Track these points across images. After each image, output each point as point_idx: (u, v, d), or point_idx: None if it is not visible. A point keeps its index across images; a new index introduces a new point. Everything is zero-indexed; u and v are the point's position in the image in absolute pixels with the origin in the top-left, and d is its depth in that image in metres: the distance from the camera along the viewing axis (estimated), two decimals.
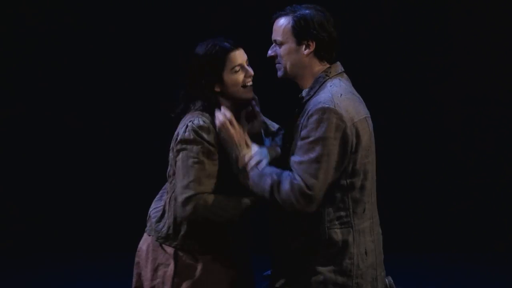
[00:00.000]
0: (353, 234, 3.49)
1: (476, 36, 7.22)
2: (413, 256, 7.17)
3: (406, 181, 7.41)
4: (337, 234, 3.47)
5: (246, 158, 3.49)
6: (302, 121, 3.45)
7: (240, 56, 3.59)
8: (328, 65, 3.56)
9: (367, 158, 3.49)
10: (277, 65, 3.59)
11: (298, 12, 3.52)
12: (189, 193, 3.41)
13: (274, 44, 3.56)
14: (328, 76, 3.54)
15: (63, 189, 7.50)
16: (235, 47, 3.59)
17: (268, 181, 3.39)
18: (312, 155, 3.36)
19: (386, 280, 3.67)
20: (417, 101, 7.35)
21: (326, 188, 3.39)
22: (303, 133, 3.41)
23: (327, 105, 3.38)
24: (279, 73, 3.58)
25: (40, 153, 7.49)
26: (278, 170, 3.42)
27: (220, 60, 3.54)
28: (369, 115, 3.57)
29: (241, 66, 3.58)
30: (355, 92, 3.59)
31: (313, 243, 3.47)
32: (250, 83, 3.60)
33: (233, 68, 3.57)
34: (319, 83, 3.53)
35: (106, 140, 7.48)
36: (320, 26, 3.50)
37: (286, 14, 3.54)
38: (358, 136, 3.44)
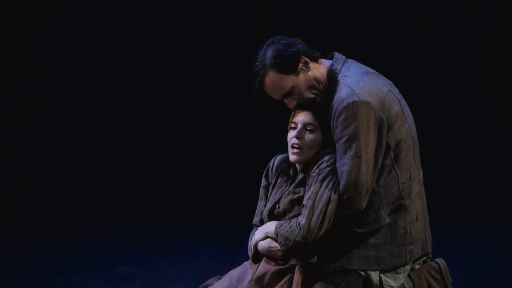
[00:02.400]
0: (405, 201, 3.55)
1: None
2: (458, 221, 7.37)
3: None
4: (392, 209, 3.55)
5: None
6: (332, 123, 3.51)
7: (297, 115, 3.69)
8: (328, 62, 3.64)
9: (403, 126, 3.56)
10: (298, 102, 3.64)
11: (268, 59, 3.55)
12: None
13: (284, 97, 3.63)
14: (336, 72, 3.59)
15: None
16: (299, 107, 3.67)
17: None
18: (351, 152, 3.43)
19: (439, 261, 3.72)
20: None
21: (374, 176, 3.47)
22: (337, 134, 3.49)
23: (351, 100, 3.45)
24: (303, 102, 3.64)
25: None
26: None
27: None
28: (391, 84, 3.65)
29: (294, 124, 3.69)
30: (369, 69, 3.66)
31: (374, 225, 3.53)
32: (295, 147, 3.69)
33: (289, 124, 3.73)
34: (332, 82, 3.57)
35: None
36: (288, 46, 3.57)
37: (264, 73, 3.56)
38: (389, 110, 3.51)
